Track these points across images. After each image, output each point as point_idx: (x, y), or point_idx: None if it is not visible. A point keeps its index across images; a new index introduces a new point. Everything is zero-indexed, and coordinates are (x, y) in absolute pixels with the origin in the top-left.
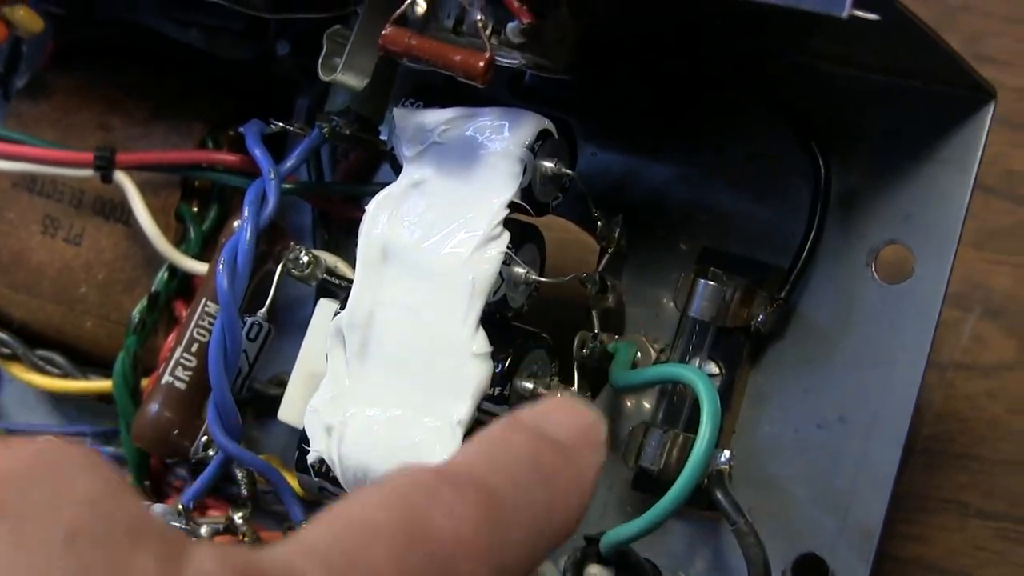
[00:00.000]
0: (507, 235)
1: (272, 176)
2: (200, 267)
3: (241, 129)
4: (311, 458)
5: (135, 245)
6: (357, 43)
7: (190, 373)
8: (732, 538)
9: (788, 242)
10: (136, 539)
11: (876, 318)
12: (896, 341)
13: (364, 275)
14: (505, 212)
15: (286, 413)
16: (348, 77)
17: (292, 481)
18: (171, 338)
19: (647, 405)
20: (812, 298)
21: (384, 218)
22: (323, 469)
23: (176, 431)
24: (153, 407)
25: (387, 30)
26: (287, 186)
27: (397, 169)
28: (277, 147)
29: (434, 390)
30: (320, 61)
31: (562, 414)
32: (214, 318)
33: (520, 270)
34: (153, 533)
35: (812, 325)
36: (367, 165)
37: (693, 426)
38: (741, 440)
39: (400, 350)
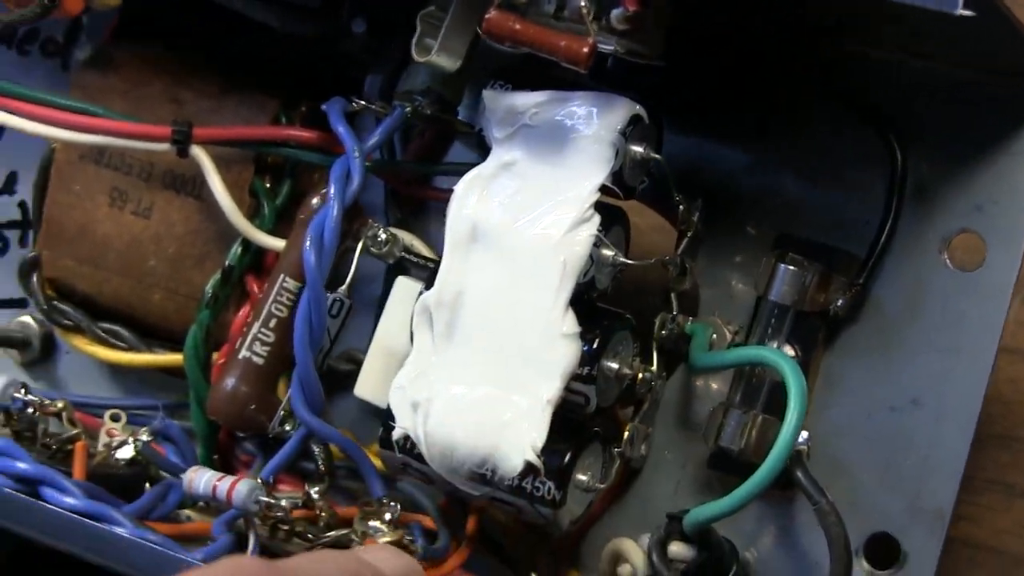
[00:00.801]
0: (597, 218)
1: (357, 154)
2: (276, 242)
3: (324, 107)
4: (396, 434)
5: (207, 219)
6: (452, 25)
7: (268, 348)
8: (801, 516)
9: (859, 230)
10: None
11: (948, 304)
12: (967, 327)
13: (453, 254)
14: (596, 195)
15: (363, 389)
16: (442, 58)
17: (372, 457)
18: (242, 313)
19: (715, 386)
20: (886, 284)
21: (474, 198)
22: (408, 446)
23: (253, 406)
24: (230, 381)
25: (491, 14)
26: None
27: (484, 150)
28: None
29: (522, 369)
30: (414, 42)
31: (386, 553)
32: (293, 294)
33: (608, 252)
34: None
35: (885, 310)
36: (440, 144)
37: (771, 407)
38: (815, 422)
39: (487, 329)
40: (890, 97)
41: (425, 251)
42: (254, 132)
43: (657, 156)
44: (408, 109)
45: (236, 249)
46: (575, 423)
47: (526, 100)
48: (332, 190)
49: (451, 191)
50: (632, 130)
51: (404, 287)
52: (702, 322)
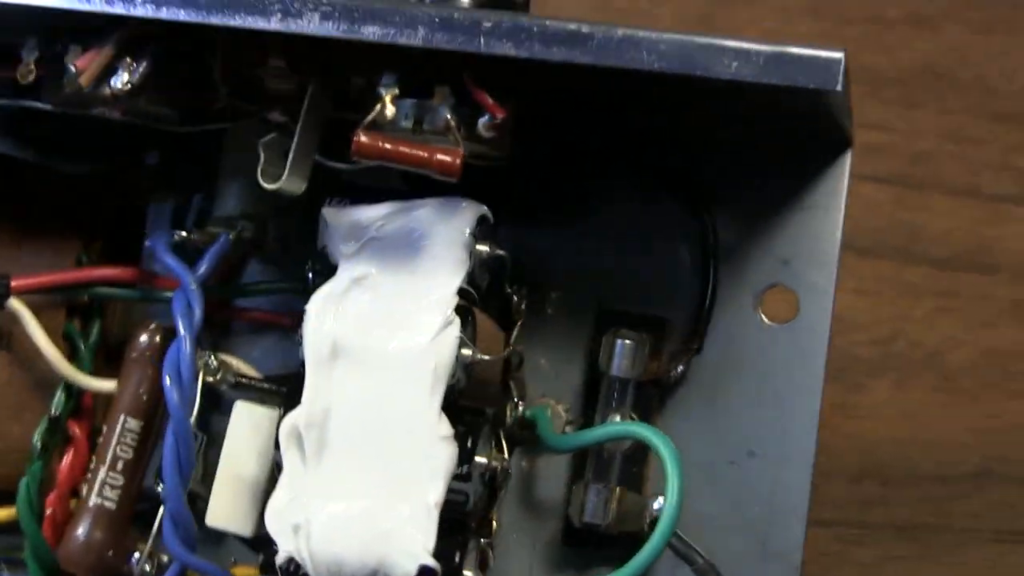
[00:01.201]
0: (458, 320)
1: (194, 286)
2: (103, 384)
3: (149, 243)
4: (280, 559)
5: (19, 370)
6: (298, 150)
7: (118, 491)
8: None
9: (673, 296)
10: None
11: (768, 356)
12: (790, 376)
13: (316, 374)
14: (456, 299)
15: (216, 518)
16: (291, 183)
17: None
18: (68, 459)
19: (544, 466)
20: (707, 344)
21: (330, 316)
22: (292, 568)
23: (111, 552)
24: (82, 530)
25: (361, 136)
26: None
27: (328, 269)
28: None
29: (401, 477)
30: (260, 170)
31: None
32: (137, 434)
33: (468, 352)
34: None
35: (708, 369)
36: (238, 263)
37: (625, 479)
38: (659, 483)
39: (360, 443)
40: (689, 166)
41: (251, 372)
42: (71, 276)
43: (502, 253)
44: (232, 235)
45: (60, 396)
46: (455, 522)
47: (371, 213)
48: (180, 324)
49: (256, 310)
50: (480, 230)
51: (243, 411)
52: (538, 405)
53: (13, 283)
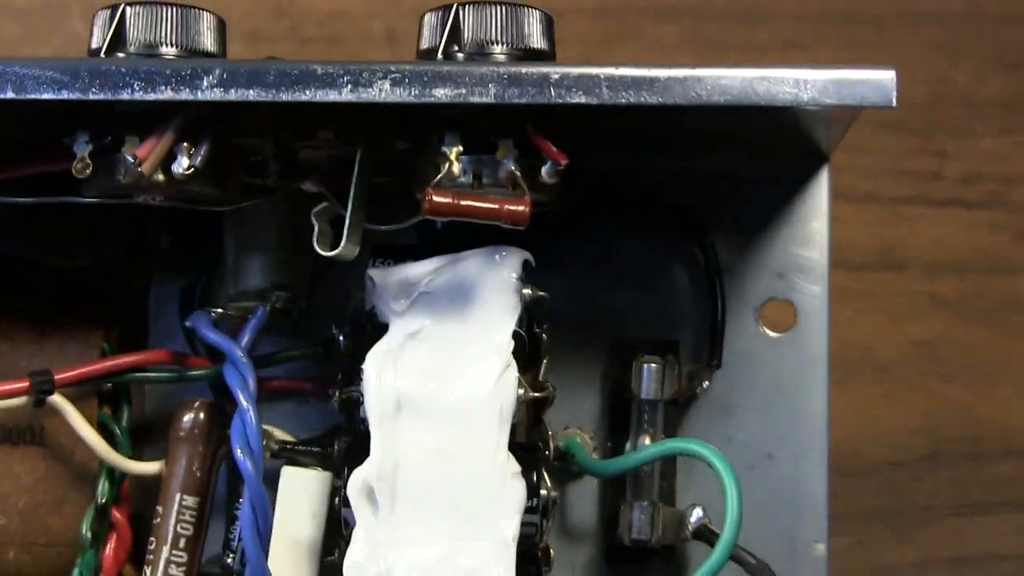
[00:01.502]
0: (514, 363)
1: (243, 357)
2: (147, 467)
3: (189, 322)
4: None
5: (56, 463)
6: (353, 216)
7: (184, 568)
8: None
9: (680, 319)
10: None
11: (774, 364)
12: (796, 379)
13: (382, 428)
14: (512, 343)
15: None
16: (347, 249)
17: None
18: (112, 546)
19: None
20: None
21: (389, 372)
22: None
23: None
24: None
25: (434, 196)
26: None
27: (379, 326)
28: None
29: (476, 518)
30: (315, 239)
31: None
32: (194, 510)
33: (522, 391)
34: None
35: (722, 382)
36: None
37: (660, 494)
38: (690, 497)
39: (432, 490)
40: (681, 196)
41: (288, 437)
42: (110, 364)
43: (544, 294)
44: (267, 306)
45: (103, 484)
46: (526, 554)
47: (419, 270)
48: (241, 396)
49: (274, 379)
50: (524, 275)
51: (291, 476)
52: (568, 436)
53: (57, 377)
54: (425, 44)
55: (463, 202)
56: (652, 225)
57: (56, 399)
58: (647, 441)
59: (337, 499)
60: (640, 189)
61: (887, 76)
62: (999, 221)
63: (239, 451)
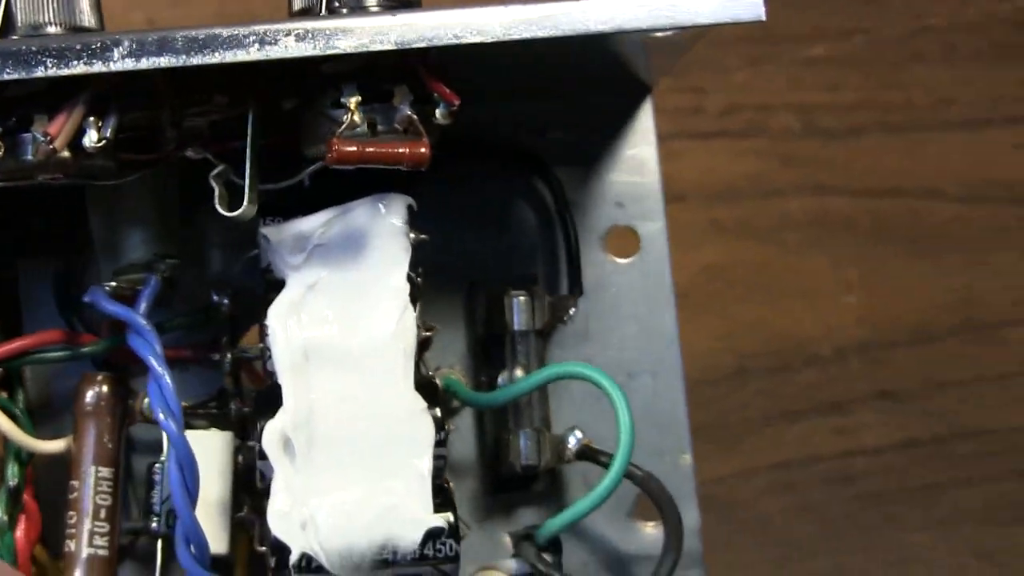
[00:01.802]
0: (410, 305)
1: (148, 326)
2: (55, 445)
3: (87, 297)
4: (293, 558)
5: None
6: (252, 177)
7: (107, 538)
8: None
9: (533, 253)
10: None
11: (622, 288)
12: (644, 301)
13: (293, 380)
14: (407, 285)
15: None
16: (248, 210)
17: None
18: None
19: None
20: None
21: (293, 324)
22: (304, 564)
23: None
24: None
25: (338, 145)
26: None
27: (275, 283)
28: None
29: (389, 456)
30: (217, 200)
31: None
32: (110, 481)
33: (419, 331)
34: None
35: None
36: None
37: (543, 420)
38: (561, 420)
39: (346, 434)
40: (519, 137)
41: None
42: (15, 347)
43: (425, 237)
44: (157, 276)
45: (14, 467)
46: (437, 487)
47: (311, 223)
48: (153, 361)
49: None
50: (409, 219)
51: (196, 439)
52: (444, 375)
53: None
54: (299, 5)
55: (368, 148)
56: (495, 167)
57: None
58: (520, 372)
59: (240, 457)
60: (478, 134)
61: None
62: (762, 148)
63: (161, 414)
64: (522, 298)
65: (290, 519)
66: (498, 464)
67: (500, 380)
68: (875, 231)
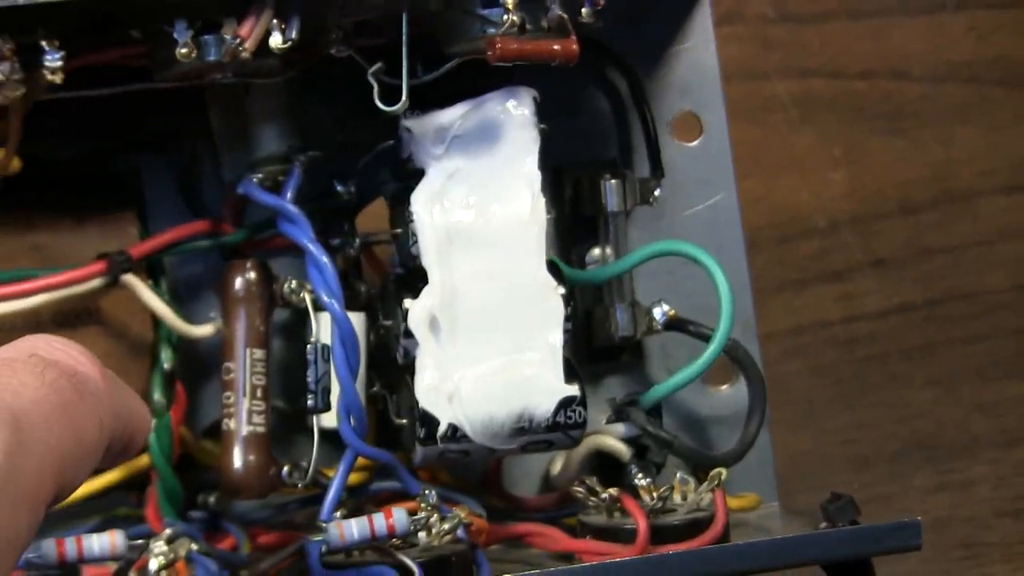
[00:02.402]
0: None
1: (296, 208)
2: (205, 330)
3: (240, 188)
4: (441, 429)
5: (114, 339)
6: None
7: (263, 415)
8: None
9: (604, 140)
10: None
11: (688, 171)
12: (709, 182)
13: (438, 261)
14: (538, 171)
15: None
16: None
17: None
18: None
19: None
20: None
21: (437, 211)
22: (452, 434)
23: (272, 469)
24: (248, 458)
25: (500, 43)
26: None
27: (415, 172)
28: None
29: (525, 331)
30: (376, 96)
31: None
32: (263, 362)
33: (551, 215)
34: None
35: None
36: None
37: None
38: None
39: (487, 311)
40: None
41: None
42: (171, 236)
43: (545, 127)
44: (299, 166)
45: (167, 351)
46: (567, 360)
47: (451, 115)
48: (309, 245)
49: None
50: (537, 111)
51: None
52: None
53: (133, 251)
54: None
55: (528, 46)
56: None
57: (127, 277)
58: (610, 251)
59: (372, 336)
60: None
61: None
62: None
63: (324, 295)
64: (614, 181)
65: (438, 392)
66: (591, 336)
67: (588, 258)
68: (853, 110)
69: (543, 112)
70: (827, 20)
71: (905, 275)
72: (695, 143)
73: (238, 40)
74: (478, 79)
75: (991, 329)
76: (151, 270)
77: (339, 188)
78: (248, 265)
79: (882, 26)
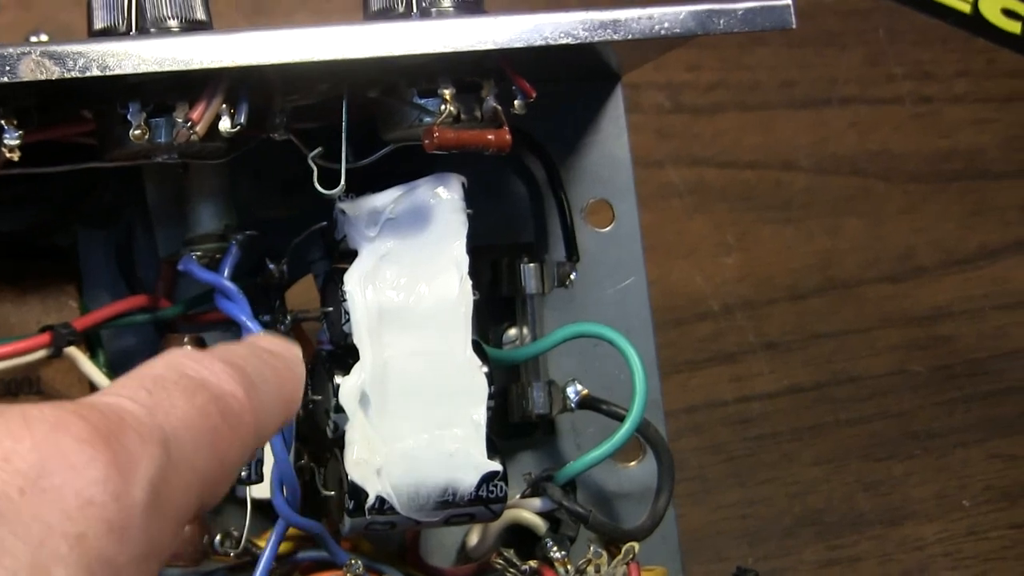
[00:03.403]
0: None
1: (232, 285)
2: None
3: (181, 266)
4: (370, 501)
5: None
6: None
7: None
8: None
9: (520, 225)
10: None
11: (600, 255)
12: (620, 266)
13: (369, 338)
14: (466, 255)
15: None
16: (342, 188)
17: None
18: None
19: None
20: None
21: (369, 290)
22: (380, 506)
23: (206, 538)
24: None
25: (437, 132)
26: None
27: (348, 252)
28: None
29: (450, 407)
30: (315, 180)
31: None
32: None
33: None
34: None
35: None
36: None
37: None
38: (552, 373)
39: (415, 387)
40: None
41: None
42: (112, 310)
43: (471, 211)
44: (236, 244)
45: None
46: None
47: (384, 199)
48: (249, 323)
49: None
50: (464, 196)
51: None
52: None
53: (76, 324)
54: (377, 6)
55: (465, 135)
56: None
57: (70, 349)
58: (526, 331)
59: (302, 410)
60: None
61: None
62: (639, 123)
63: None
64: (532, 265)
65: (367, 466)
66: (507, 413)
67: (504, 338)
68: (744, 198)
69: (466, 197)
70: (718, 111)
71: (794, 358)
72: (607, 228)
73: (189, 123)
74: (404, 162)
75: (875, 411)
76: (89, 342)
77: (270, 266)
78: (184, 339)
79: (770, 118)
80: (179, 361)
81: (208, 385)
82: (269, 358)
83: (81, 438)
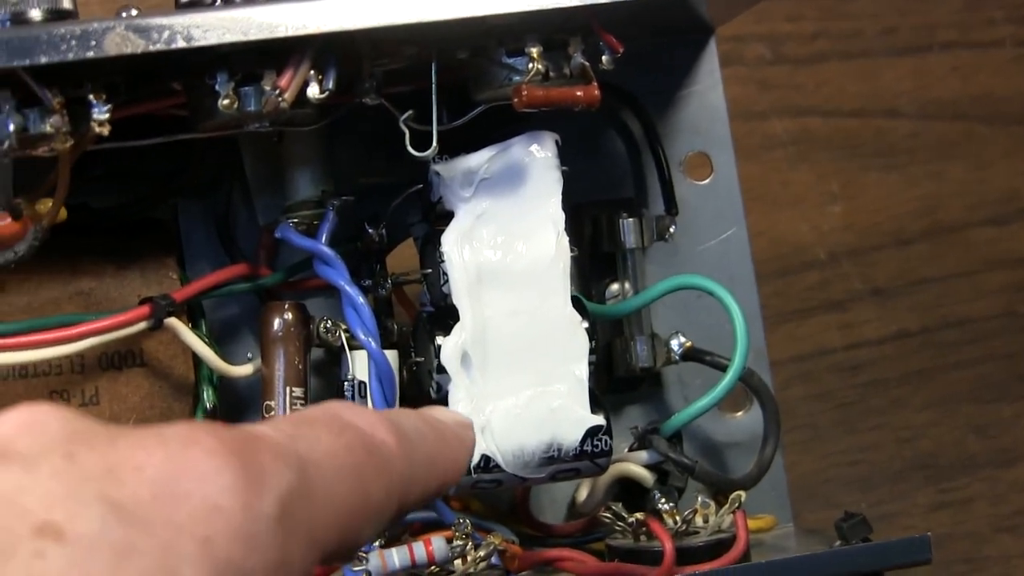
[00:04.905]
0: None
1: (335, 254)
2: (244, 370)
3: (278, 233)
4: (475, 460)
5: (158, 380)
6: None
7: None
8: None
9: (619, 180)
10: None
11: (701, 208)
12: (720, 219)
13: (468, 299)
14: (562, 212)
15: None
16: (435, 149)
17: None
18: None
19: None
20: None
21: (467, 251)
22: (486, 464)
23: None
24: None
25: (526, 90)
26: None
27: (445, 214)
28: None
29: (552, 364)
30: (407, 143)
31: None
32: (302, 400)
33: (574, 252)
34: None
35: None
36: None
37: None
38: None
39: (515, 345)
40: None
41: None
42: (213, 280)
43: (566, 168)
44: (333, 210)
45: (208, 391)
46: (591, 391)
47: (478, 159)
48: (348, 289)
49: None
50: (558, 154)
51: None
52: None
53: (176, 295)
54: None
55: (553, 93)
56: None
57: (170, 320)
58: (628, 286)
59: (405, 371)
60: None
61: None
62: (742, 75)
63: (361, 334)
64: (632, 220)
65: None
66: (611, 367)
67: (607, 293)
68: (848, 147)
69: (562, 154)
70: (820, 61)
71: (901, 303)
72: (706, 181)
73: (277, 91)
74: (498, 123)
75: (983, 354)
76: (191, 313)
77: (369, 231)
78: (286, 306)
79: (872, 66)
80: (334, 406)
81: (358, 427)
82: (434, 422)
83: (212, 450)
